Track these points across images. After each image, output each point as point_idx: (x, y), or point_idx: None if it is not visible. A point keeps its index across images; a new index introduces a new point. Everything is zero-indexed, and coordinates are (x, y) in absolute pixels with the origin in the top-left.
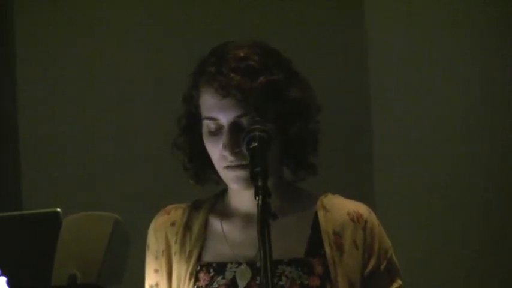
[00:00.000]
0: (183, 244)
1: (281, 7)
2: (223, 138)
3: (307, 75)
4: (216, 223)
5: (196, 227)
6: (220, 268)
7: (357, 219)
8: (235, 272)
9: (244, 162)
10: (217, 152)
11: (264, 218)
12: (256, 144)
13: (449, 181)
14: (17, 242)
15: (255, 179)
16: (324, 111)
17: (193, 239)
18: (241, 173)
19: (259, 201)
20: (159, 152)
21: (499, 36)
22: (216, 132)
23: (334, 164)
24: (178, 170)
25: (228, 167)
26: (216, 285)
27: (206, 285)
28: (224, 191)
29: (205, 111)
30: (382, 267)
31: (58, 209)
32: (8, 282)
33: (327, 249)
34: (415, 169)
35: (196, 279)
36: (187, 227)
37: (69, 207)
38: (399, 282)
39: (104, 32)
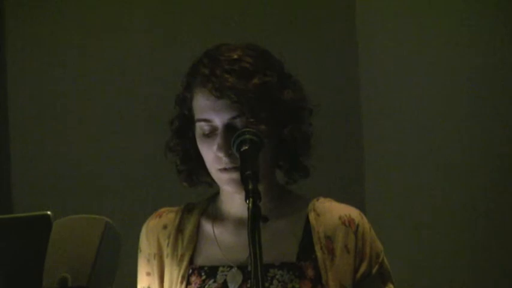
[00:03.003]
0: (174, 247)
1: (274, 8)
2: (218, 139)
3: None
4: (207, 226)
5: (188, 230)
6: (211, 272)
7: (348, 224)
8: (226, 275)
9: (238, 165)
10: (211, 154)
11: (255, 221)
12: (246, 147)
13: (445, 183)
14: (7, 245)
15: (246, 183)
16: (315, 114)
17: (185, 242)
18: (235, 175)
19: (250, 205)
20: (154, 154)
21: (498, 35)
22: (210, 134)
23: (325, 168)
24: (173, 173)
25: (222, 169)
26: None
27: None
28: (216, 194)
29: (198, 113)
30: (373, 271)
31: (48, 212)
32: None
33: (318, 253)
34: (407, 172)
35: (188, 283)
36: (179, 230)
37: (60, 210)
38: (391, 286)
39: (104, 32)
